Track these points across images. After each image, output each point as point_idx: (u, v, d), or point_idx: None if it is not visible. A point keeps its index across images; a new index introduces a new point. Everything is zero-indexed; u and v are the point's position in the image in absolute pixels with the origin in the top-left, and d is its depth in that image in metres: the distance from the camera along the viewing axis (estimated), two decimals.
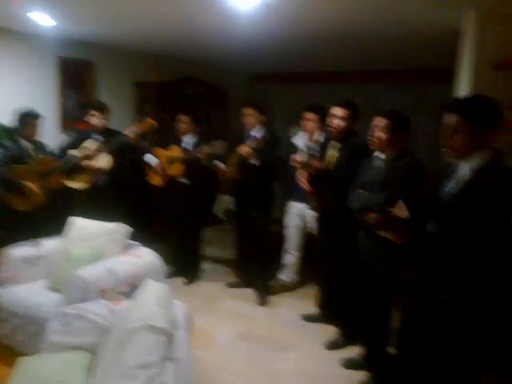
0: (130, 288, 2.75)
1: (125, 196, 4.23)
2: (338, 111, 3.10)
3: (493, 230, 1.73)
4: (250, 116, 3.79)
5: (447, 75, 3.43)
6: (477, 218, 1.74)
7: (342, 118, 3.07)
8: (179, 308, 2.20)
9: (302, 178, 3.30)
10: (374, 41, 4.14)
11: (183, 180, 4.08)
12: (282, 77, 6.71)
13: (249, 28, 3.73)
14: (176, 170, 4.01)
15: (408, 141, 2.62)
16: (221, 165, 3.87)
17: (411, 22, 3.39)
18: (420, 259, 1.98)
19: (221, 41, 4.37)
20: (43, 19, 3.54)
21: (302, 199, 3.75)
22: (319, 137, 3.64)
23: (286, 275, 4.10)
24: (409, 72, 5.69)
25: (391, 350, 2.64)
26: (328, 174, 3.07)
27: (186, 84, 5.61)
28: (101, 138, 3.86)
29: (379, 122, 2.58)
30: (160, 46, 4.84)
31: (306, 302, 3.86)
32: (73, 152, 3.78)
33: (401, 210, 1.95)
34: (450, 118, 1.83)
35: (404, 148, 2.60)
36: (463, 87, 3.09)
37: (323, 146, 3.46)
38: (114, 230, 3.11)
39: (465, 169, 1.86)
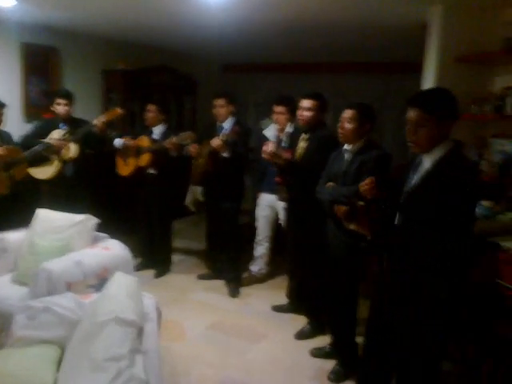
0: (98, 281, 2.73)
1: (92, 187, 4.17)
2: (304, 103, 3.15)
3: (453, 222, 1.78)
4: (221, 107, 3.79)
5: (416, 69, 3.52)
6: (436, 208, 1.80)
7: (308, 109, 3.12)
8: (149, 300, 2.19)
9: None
10: (344, 33, 4.19)
11: (152, 170, 4.05)
12: (253, 67, 6.71)
13: (220, 16, 3.71)
14: (144, 160, 3.98)
15: (372, 131, 2.71)
16: (192, 149, 3.84)
17: (380, 15, 3.45)
18: (389, 252, 2.04)
19: (191, 29, 4.34)
20: None
21: (272, 190, 3.79)
22: (289, 128, 3.68)
23: (257, 267, 4.14)
24: (379, 65, 5.79)
25: (359, 339, 2.72)
26: (295, 165, 3.12)
27: (156, 72, 5.54)
28: (66, 127, 3.79)
29: (346, 113, 2.66)
30: (129, 33, 4.76)
31: (277, 292, 3.91)
32: (45, 141, 3.69)
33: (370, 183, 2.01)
34: (412, 113, 1.89)
35: (370, 139, 2.69)
36: (429, 81, 3.17)
37: (293, 138, 3.50)
38: (82, 221, 3.07)
39: (428, 161, 1.93)
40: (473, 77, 3.14)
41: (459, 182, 1.78)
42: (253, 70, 6.77)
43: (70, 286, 2.60)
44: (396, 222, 1.98)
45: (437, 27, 3.11)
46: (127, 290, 2.03)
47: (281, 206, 3.69)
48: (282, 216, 3.78)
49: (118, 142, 4.11)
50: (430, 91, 2.07)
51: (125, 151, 4.09)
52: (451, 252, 1.81)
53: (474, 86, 3.14)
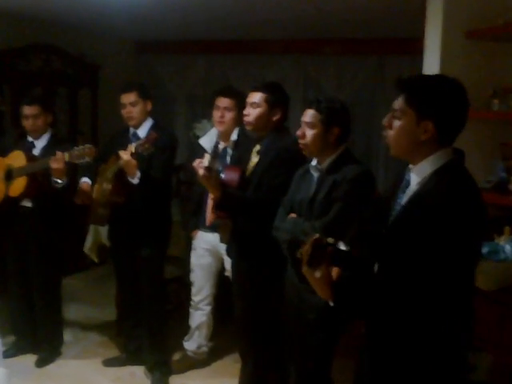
0: None
1: None
2: (250, 97, 3.26)
3: (437, 269, 1.84)
4: (133, 106, 3.81)
5: (419, 47, 3.67)
6: (410, 255, 1.86)
7: (254, 106, 3.23)
8: None
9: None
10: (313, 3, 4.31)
11: (28, 203, 4.01)
12: (183, 45, 6.78)
13: None
14: (17, 187, 3.92)
15: (347, 139, 2.85)
16: (86, 182, 3.82)
17: None
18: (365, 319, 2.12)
19: None
20: None
21: (213, 228, 3.82)
22: (235, 135, 3.77)
23: (195, 343, 4.13)
24: (368, 42, 5.95)
25: None
26: (233, 198, 3.21)
27: (34, 55, 5.53)
28: None
29: (305, 115, 2.79)
30: None
31: (225, 381, 3.92)
32: None
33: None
34: (398, 100, 2.01)
35: (343, 150, 2.82)
36: (432, 63, 3.32)
37: (241, 148, 3.60)
38: None
39: (414, 179, 2.01)
40: (492, 59, 3.31)
41: (432, 218, 1.83)
42: (182, 49, 6.84)
43: None
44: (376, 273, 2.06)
45: None
46: None
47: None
48: (229, 265, 3.80)
49: None
50: (425, 77, 2.24)
51: None
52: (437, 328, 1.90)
53: (494, 71, 3.31)
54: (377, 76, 6.11)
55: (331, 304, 2.05)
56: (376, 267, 2.05)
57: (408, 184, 2.04)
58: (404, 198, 2.02)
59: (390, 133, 2.01)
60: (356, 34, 5.79)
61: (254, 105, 3.22)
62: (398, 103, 1.98)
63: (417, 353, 1.94)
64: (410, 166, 2.04)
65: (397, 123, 1.99)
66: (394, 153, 2.05)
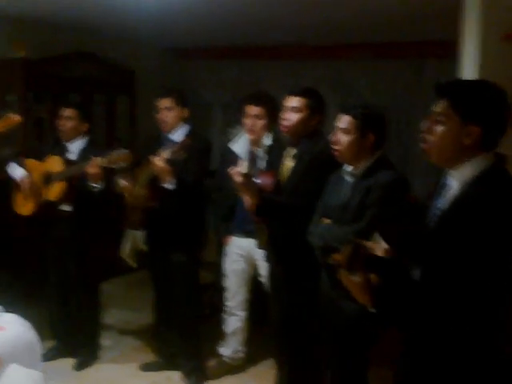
0: None
1: None
2: (289, 101, 3.25)
3: (485, 271, 1.79)
4: (168, 111, 3.85)
5: (450, 49, 3.63)
6: (454, 258, 1.81)
7: (295, 111, 3.21)
8: None
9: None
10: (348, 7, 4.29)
11: (66, 207, 4.06)
12: (217, 52, 6.80)
13: None
14: (55, 191, 3.98)
15: (382, 145, 2.83)
16: (124, 183, 3.85)
17: None
18: (401, 328, 2.08)
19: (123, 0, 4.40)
20: None
21: (247, 232, 3.84)
22: (267, 140, 3.77)
23: (230, 348, 4.13)
24: (405, 46, 5.88)
25: None
26: (272, 203, 3.21)
27: (73, 62, 5.60)
28: None
29: (342, 121, 2.78)
30: (31, 7, 4.80)
31: None
32: None
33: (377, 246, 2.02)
34: (439, 104, 1.96)
35: (379, 156, 2.81)
36: (469, 66, 3.28)
37: (274, 153, 3.61)
38: None
39: (455, 182, 1.96)
40: None
41: (477, 223, 1.78)
42: (217, 56, 6.85)
43: None
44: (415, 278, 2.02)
45: None
46: None
47: (261, 255, 3.72)
48: (263, 270, 3.80)
49: (14, 169, 4.10)
50: (467, 82, 2.18)
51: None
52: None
53: None
54: (415, 80, 6.03)
55: (371, 310, 2.02)
56: (415, 272, 2.01)
57: (445, 187, 2.00)
58: (444, 202, 1.98)
59: (432, 138, 1.95)
60: (392, 38, 5.72)
61: (295, 109, 3.22)
62: (441, 108, 1.94)
63: (461, 361, 1.88)
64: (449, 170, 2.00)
65: (440, 128, 1.93)
66: (437, 159, 1.99)
